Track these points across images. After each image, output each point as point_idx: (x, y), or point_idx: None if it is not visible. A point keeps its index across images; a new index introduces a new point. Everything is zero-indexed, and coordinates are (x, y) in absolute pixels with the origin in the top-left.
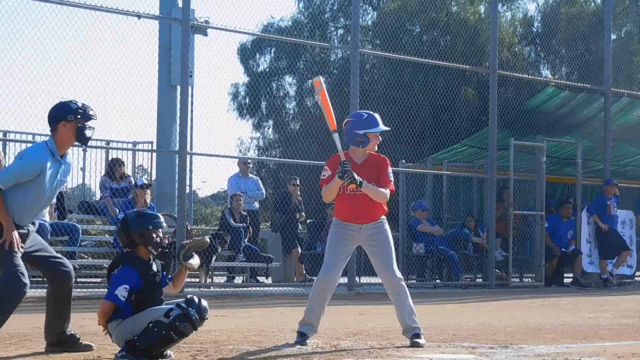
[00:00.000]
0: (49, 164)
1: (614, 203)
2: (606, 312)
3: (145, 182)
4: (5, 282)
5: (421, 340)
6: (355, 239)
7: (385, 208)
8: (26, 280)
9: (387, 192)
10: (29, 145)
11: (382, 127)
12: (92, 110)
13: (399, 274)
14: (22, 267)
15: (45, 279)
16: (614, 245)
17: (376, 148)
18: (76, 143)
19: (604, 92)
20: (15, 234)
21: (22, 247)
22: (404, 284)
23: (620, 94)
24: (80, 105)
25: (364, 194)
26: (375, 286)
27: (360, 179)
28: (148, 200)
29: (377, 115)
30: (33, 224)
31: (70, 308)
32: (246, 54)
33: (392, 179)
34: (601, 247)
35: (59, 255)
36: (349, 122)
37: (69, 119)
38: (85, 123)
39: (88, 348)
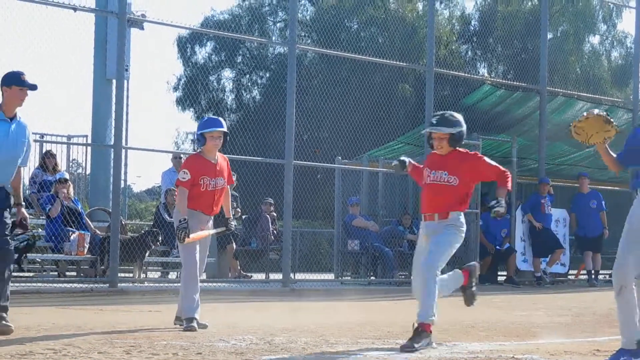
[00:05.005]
0: None
1: (548, 202)
2: (539, 310)
3: (66, 175)
4: None
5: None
6: None
7: None
8: None
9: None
10: None
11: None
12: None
13: None
14: None
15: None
16: (547, 243)
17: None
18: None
19: (539, 90)
20: None
21: None
22: None
23: (556, 93)
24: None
25: None
26: (309, 283)
27: None
28: (71, 194)
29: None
30: None
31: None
32: (184, 46)
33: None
34: (535, 246)
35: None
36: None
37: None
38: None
39: (6, 328)
